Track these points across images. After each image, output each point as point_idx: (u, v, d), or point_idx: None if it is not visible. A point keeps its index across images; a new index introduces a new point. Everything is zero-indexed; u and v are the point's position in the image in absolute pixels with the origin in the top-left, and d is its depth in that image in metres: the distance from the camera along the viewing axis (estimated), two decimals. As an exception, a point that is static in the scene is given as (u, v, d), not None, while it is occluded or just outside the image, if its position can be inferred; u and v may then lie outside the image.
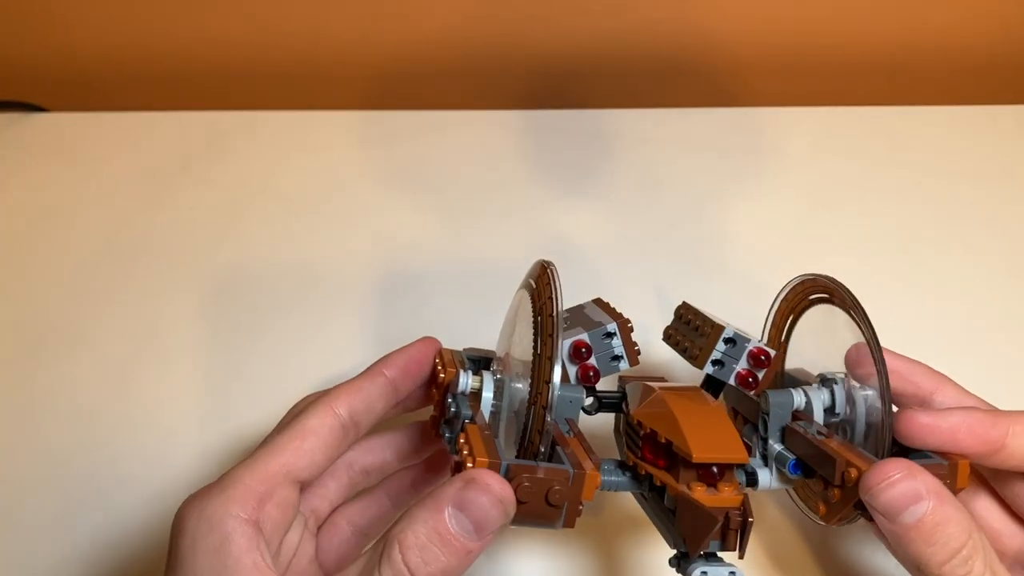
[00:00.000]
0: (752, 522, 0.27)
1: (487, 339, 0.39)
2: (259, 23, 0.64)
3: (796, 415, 0.33)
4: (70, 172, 0.58)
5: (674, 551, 0.29)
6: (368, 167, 0.58)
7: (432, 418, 0.35)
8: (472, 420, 0.30)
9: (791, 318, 0.37)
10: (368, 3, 0.62)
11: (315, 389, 0.46)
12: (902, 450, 0.30)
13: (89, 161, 0.58)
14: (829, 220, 0.54)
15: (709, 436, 0.28)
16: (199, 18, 0.63)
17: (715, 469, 0.28)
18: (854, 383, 0.33)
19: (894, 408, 0.31)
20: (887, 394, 0.30)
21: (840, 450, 0.29)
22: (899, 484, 0.27)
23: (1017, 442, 0.30)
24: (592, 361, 0.33)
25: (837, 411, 0.33)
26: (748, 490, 0.32)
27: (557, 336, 0.28)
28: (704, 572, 0.27)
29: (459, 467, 0.27)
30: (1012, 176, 0.55)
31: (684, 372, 0.43)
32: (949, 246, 0.52)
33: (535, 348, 0.29)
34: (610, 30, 0.64)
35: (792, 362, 0.37)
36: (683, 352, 0.35)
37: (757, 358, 0.33)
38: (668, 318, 0.46)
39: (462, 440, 0.28)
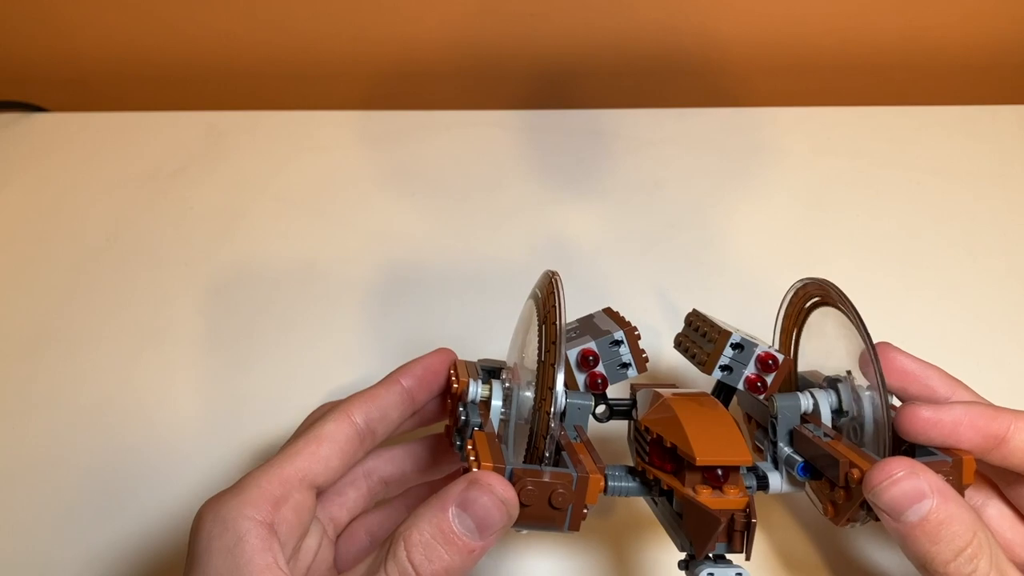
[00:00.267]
0: (755, 523, 0.28)
1: (487, 337, 0.39)
2: (259, 23, 0.64)
3: (805, 418, 0.33)
4: (70, 172, 0.58)
5: (683, 554, 0.29)
6: (368, 167, 0.58)
7: (447, 428, 0.36)
8: (481, 428, 0.31)
9: (797, 322, 0.37)
10: (368, 3, 0.62)
11: (314, 388, 0.46)
12: (910, 449, 0.31)
13: (89, 161, 0.58)
14: (829, 220, 0.54)
15: (713, 439, 0.29)
16: (199, 18, 0.63)
17: (719, 472, 0.28)
18: (862, 383, 0.33)
19: (898, 403, 0.32)
20: (883, 390, 0.30)
21: (845, 451, 0.30)
22: (901, 482, 0.27)
23: (1019, 437, 0.30)
24: (600, 369, 0.33)
25: (845, 410, 0.33)
26: (760, 493, 0.32)
27: (560, 343, 0.28)
28: (711, 573, 0.28)
29: (466, 472, 0.27)
30: (1012, 176, 0.56)
31: (695, 378, 0.43)
32: (949, 246, 0.52)
33: (539, 356, 0.29)
34: (610, 30, 0.64)
35: (804, 364, 0.37)
36: (692, 358, 0.35)
37: (765, 362, 0.33)
38: (671, 319, 0.46)
39: (470, 446, 0.28)
